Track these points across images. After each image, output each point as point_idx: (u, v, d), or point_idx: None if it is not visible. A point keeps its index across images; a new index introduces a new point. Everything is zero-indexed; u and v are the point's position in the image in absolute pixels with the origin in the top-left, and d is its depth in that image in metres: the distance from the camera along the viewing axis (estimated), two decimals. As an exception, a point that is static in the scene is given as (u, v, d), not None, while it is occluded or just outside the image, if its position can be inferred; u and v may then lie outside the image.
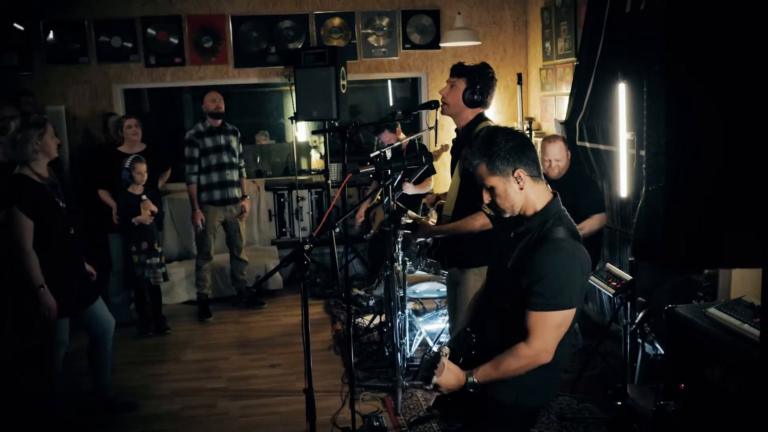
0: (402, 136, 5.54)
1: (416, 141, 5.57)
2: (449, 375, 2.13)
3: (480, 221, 3.06)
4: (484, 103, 3.25)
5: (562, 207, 2.21)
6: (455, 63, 3.35)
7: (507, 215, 2.21)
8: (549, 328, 2.07)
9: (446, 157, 6.73)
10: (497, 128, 2.24)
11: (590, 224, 4.17)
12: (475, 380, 2.12)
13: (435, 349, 4.35)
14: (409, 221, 4.36)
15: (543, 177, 2.22)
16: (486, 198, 2.21)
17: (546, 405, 2.61)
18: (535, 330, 2.07)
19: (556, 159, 4.27)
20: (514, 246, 2.19)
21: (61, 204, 3.51)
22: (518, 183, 2.14)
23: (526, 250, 2.13)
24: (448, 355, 2.22)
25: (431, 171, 5.49)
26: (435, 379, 2.12)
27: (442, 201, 3.83)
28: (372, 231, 5.77)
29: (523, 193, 2.15)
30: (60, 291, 3.46)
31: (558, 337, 2.10)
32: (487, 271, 2.44)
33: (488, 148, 2.15)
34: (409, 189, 5.24)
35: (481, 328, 2.27)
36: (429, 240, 3.83)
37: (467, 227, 3.17)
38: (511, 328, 2.13)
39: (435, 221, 4.00)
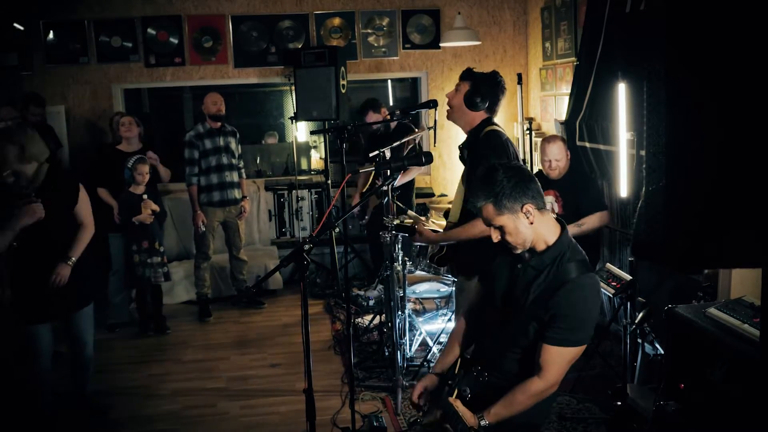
0: (387, 115, 5.59)
1: (416, 144, 5.58)
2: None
3: (479, 227, 2.99)
4: (488, 108, 3.19)
5: (571, 237, 2.20)
6: (454, 64, 3.33)
7: (519, 251, 2.17)
8: (563, 364, 2.09)
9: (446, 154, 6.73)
10: (494, 165, 2.18)
11: (591, 221, 4.17)
12: (488, 423, 2.11)
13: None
14: (410, 221, 4.36)
15: (547, 207, 2.21)
16: (495, 237, 2.17)
17: (545, 422, 2.64)
18: (550, 364, 2.07)
19: (555, 159, 4.27)
20: (528, 281, 2.16)
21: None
22: (528, 218, 2.10)
23: (546, 287, 2.11)
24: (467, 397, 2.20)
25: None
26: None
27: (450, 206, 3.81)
28: (366, 216, 5.77)
29: (533, 227, 2.12)
30: (28, 297, 3.44)
31: (567, 370, 2.12)
32: (496, 302, 2.35)
33: (491, 187, 2.10)
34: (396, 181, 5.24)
35: (495, 364, 2.25)
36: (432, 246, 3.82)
37: (467, 234, 3.13)
38: (530, 362, 2.14)
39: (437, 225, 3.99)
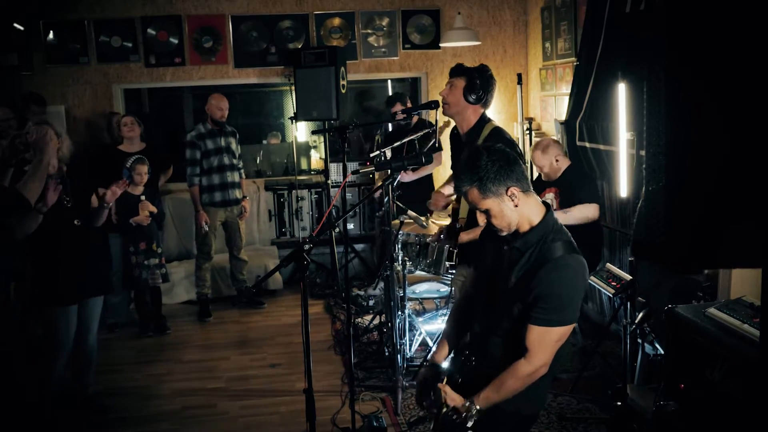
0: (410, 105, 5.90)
1: (427, 120, 5.76)
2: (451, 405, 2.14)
3: None
4: (485, 101, 3.25)
5: (556, 218, 2.20)
6: (454, 64, 3.36)
7: (504, 233, 2.17)
8: (550, 344, 2.07)
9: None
10: (478, 149, 2.18)
11: (578, 209, 4.06)
12: (478, 407, 2.11)
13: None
14: (410, 221, 4.37)
15: (533, 190, 2.21)
16: (481, 220, 2.18)
17: (541, 410, 2.65)
18: (535, 345, 2.06)
19: (540, 166, 4.31)
20: (512, 262, 2.16)
21: (65, 197, 3.59)
22: (513, 201, 2.10)
23: (528, 268, 2.10)
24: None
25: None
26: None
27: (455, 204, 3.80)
28: (384, 208, 5.77)
29: (518, 210, 2.12)
30: (53, 279, 3.54)
31: (555, 351, 2.11)
32: (483, 286, 2.34)
33: (475, 171, 2.10)
34: (407, 177, 5.29)
35: (481, 348, 2.25)
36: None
37: None
38: (514, 346, 2.13)
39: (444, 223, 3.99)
